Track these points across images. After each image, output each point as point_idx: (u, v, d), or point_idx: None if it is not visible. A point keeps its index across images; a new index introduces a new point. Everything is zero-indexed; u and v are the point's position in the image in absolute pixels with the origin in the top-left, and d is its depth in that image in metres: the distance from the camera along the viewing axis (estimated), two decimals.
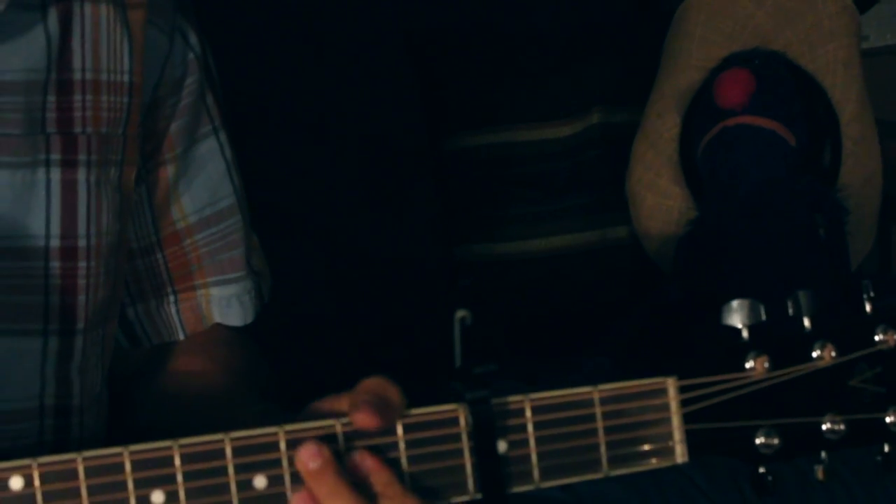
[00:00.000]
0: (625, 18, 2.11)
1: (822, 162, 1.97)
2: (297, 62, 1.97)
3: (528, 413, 1.09)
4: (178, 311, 1.38)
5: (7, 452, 1.06)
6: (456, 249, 2.05)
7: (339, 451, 1.06)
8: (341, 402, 1.08)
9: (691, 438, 1.10)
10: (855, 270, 1.98)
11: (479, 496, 1.08)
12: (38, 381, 1.21)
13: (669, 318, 1.89)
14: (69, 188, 1.22)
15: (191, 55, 1.32)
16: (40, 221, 1.20)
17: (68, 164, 1.22)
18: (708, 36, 1.98)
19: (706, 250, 1.91)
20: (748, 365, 1.09)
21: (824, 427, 1.11)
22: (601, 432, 1.09)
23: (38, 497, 1.02)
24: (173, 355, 1.39)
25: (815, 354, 1.10)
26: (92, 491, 1.03)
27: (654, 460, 1.10)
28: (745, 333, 1.10)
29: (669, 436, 1.10)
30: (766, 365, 1.09)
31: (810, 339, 1.10)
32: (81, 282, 1.23)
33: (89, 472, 1.03)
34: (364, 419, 1.05)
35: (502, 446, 1.08)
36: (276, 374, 1.43)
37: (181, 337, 1.38)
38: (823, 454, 1.12)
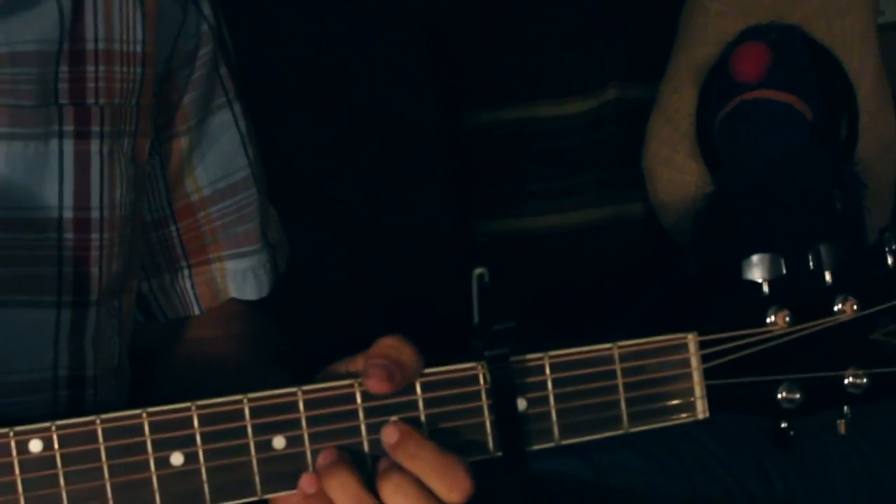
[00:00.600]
0: None
1: (838, 136, 1.96)
2: (314, 38, 1.96)
3: (548, 370, 1.08)
4: (192, 286, 1.37)
5: (17, 424, 1.06)
6: (472, 225, 2.05)
7: (357, 412, 1.06)
8: (357, 364, 1.08)
9: (712, 394, 1.09)
10: (872, 244, 1.97)
11: (499, 454, 1.08)
12: (52, 352, 1.21)
13: (686, 291, 1.88)
14: (82, 160, 1.21)
15: (204, 26, 1.32)
16: (53, 193, 1.20)
17: (81, 136, 1.21)
18: (724, 10, 1.98)
19: (723, 224, 1.90)
20: (769, 319, 1.09)
21: (846, 381, 1.11)
22: (621, 389, 1.09)
23: (58, 460, 1.02)
24: (189, 330, 1.39)
25: (836, 308, 1.10)
26: (111, 453, 1.03)
27: (674, 416, 1.10)
28: (765, 288, 1.09)
29: (690, 391, 1.10)
30: (787, 319, 1.08)
31: (832, 293, 1.09)
32: (95, 253, 1.23)
33: (108, 435, 1.03)
34: (375, 384, 1.05)
35: (522, 404, 1.08)
36: (292, 347, 1.42)
37: (196, 312, 1.38)
38: (846, 408, 1.11)
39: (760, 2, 1.97)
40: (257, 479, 1.05)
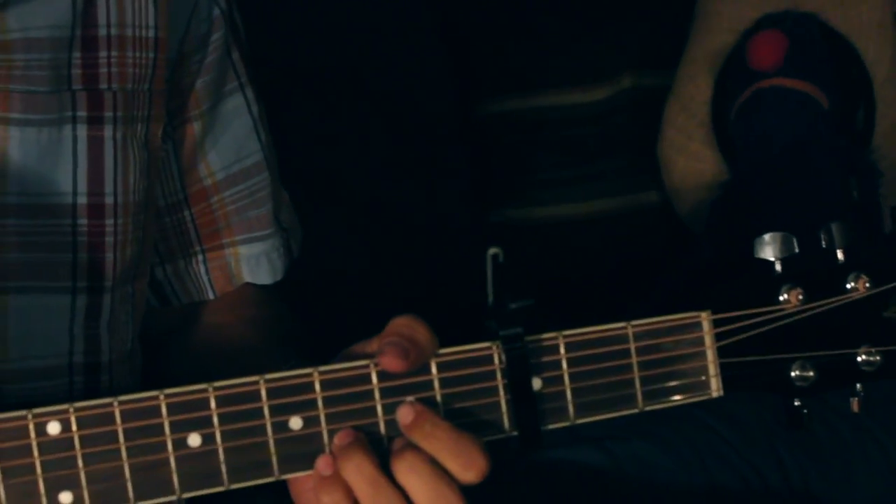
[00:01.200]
0: None
1: (854, 124, 1.96)
2: (330, 29, 1.97)
3: (562, 350, 1.09)
4: (206, 271, 1.38)
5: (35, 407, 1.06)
6: (487, 214, 2.05)
7: (373, 392, 1.06)
8: (372, 346, 1.08)
9: (726, 372, 1.09)
10: (889, 232, 1.97)
11: (514, 433, 1.08)
12: (67, 338, 1.22)
13: (701, 279, 1.88)
14: (96, 145, 1.22)
15: (216, 11, 1.32)
16: (67, 178, 1.21)
17: (95, 121, 1.22)
18: None
19: (739, 211, 1.90)
20: (782, 297, 1.09)
21: (859, 359, 1.11)
22: (636, 368, 1.09)
23: (76, 441, 1.03)
24: (204, 315, 1.40)
25: (849, 286, 1.10)
26: (129, 435, 1.04)
27: (689, 394, 1.10)
28: (777, 266, 1.09)
29: (704, 370, 1.10)
30: (800, 297, 1.09)
31: (844, 271, 1.10)
32: (109, 239, 1.23)
33: (126, 417, 1.04)
34: (390, 362, 1.05)
35: (537, 383, 1.08)
36: (307, 332, 1.43)
37: (210, 296, 1.39)
38: (859, 386, 1.11)
39: None
40: (274, 459, 1.05)
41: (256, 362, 1.31)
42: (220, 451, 1.05)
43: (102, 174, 1.22)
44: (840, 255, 1.10)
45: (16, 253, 1.18)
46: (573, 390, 1.08)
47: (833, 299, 1.09)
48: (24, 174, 1.18)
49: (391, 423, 1.06)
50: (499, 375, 1.08)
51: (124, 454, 1.03)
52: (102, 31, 1.22)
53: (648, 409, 1.09)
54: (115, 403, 1.03)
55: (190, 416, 1.04)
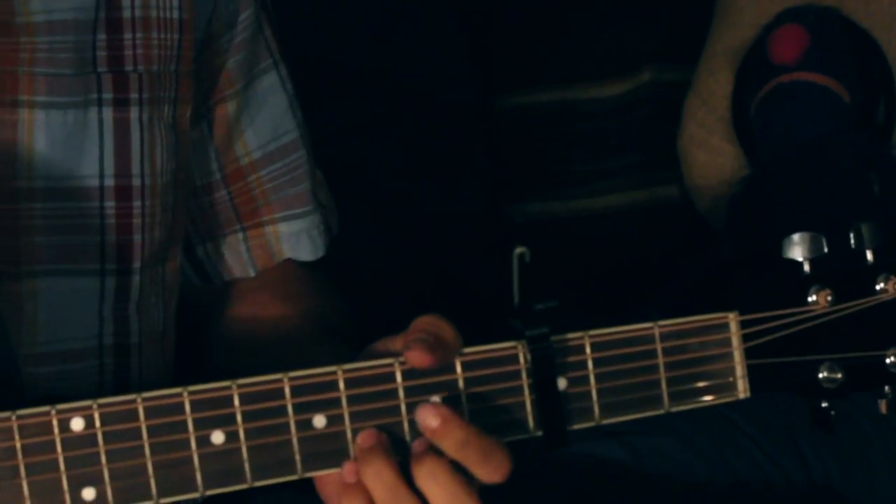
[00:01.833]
0: None
1: (876, 119, 1.95)
2: (351, 23, 1.97)
3: (588, 350, 1.08)
4: (248, 249, 1.38)
5: (68, 392, 1.06)
6: (507, 208, 2.05)
7: (398, 391, 1.06)
8: (396, 342, 1.08)
9: (753, 373, 1.09)
10: None
11: (539, 433, 1.07)
12: (97, 320, 1.22)
13: (721, 274, 1.88)
14: (122, 127, 1.22)
15: None
16: (94, 161, 1.20)
17: (120, 103, 1.22)
18: None
19: (759, 206, 1.90)
20: (811, 298, 1.08)
21: (888, 361, 1.10)
22: (662, 368, 1.09)
23: (100, 438, 1.02)
24: (245, 292, 1.39)
25: (878, 287, 1.09)
26: (152, 432, 1.03)
27: (715, 396, 1.09)
28: (806, 267, 1.09)
29: (731, 371, 1.09)
30: (829, 298, 1.08)
31: (873, 272, 1.09)
32: (137, 221, 1.23)
33: (149, 413, 1.03)
34: (416, 357, 1.04)
35: (562, 383, 1.07)
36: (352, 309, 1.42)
37: (252, 273, 1.38)
38: (887, 388, 1.10)
39: None
40: (298, 458, 1.05)
41: (296, 340, 1.31)
42: (244, 448, 1.04)
43: (129, 156, 1.22)
44: (869, 255, 1.09)
45: (43, 236, 1.18)
46: (599, 390, 1.08)
47: (862, 300, 1.08)
48: (50, 157, 1.18)
49: (415, 423, 1.06)
50: (524, 375, 1.07)
51: (147, 451, 1.03)
52: (126, 13, 1.22)
53: (674, 409, 1.09)
54: (139, 400, 1.03)
55: (213, 413, 1.04)
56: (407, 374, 1.06)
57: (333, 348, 1.29)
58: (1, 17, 1.16)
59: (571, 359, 1.08)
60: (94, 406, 1.03)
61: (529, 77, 2.07)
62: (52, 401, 1.02)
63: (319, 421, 1.05)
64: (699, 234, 2.02)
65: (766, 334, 1.08)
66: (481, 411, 1.06)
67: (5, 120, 1.17)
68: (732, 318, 1.09)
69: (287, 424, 1.05)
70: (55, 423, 1.02)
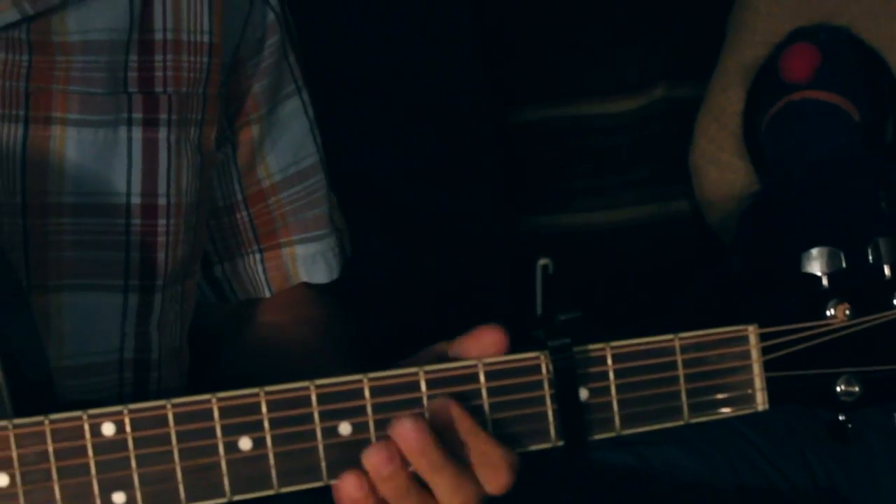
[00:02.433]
0: None
1: (885, 137, 1.97)
2: (364, 33, 1.98)
3: (609, 361, 1.10)
4: (264, 270, 1.40)
5: (88, 405, 1.08)
6: (518, 221, 2.06)
7: (422, 399, 1.07)
8: (454, 347, 1.09)
9: (772, 386, 1.10)
10: None
11: (560, 443, 1.09)
12: (119, 335, 1.24)
13: (731, 289, 1.89)
14: (150, 147, 1.24)
15: (271, 15, 1.34)
16: (122, 179, 1.22)
17: (150, 124, 1.24)
18: (773, 10, 1.98)
19: (769, 222, 1.91)
20: (829, 312, 1.10)
21: None
22: (682, 380, 1.10)
23: (130, 443, 1.04)
24: (259, 312, 1.41)
25: None
26: (181, 437, 1.05)
27: (734, 408, 1.11)
28: (824, 281, 1.10)
29: (750, 383, 1.11)
30: (847, 312, 1.09)
31: (891, 287, 1.10)
32: (161, 239, 1.25)
33: (178, 419, 1.05)
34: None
35: (584, 394, 1.09)
36: (361, 333, 1.44)
37: (267, 294, 1.41)
38: None
39: (809, 3, 1.97)
40: (323, 465, 1.06)
41: (307, 360, 1.33)
42: (271, 455, 1.06)
43: (156, 175, 1.24)
44: (887, 270, 1.11)
45: (71, 251, 1.20)
46: (619, 401, 1.09)
47: (880, 315, 1.10)
48: (80, 174, 1.20)
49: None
50: (546, 385, 1.09)
51: (176, 456, 1.04)
52: (158, 36, 1.24)
53: (694, 421, 1.10)
54: (168, 406, 1.05)
55: (241, 419, 1.05)
56: (432, 384, 1.07)
57: (338, 358, 1.32)
58: (39, 35, 1.18)
59: (593, 369, 1.09)
60: (125, 411, 1.04)
61: (542, 91, 2.08)
62: (84, 406, 1.04)
63: (345, 428, 1.07)
64: (709, 248, 2.03)
65: (785, 347, 1.09)
66: (504, 421, 1.08)
67: (38, 136, 1.18)
68: (752, 331, 1.10)
69: (313, 431, 1.06)
70: (87, 427, 1.03)
